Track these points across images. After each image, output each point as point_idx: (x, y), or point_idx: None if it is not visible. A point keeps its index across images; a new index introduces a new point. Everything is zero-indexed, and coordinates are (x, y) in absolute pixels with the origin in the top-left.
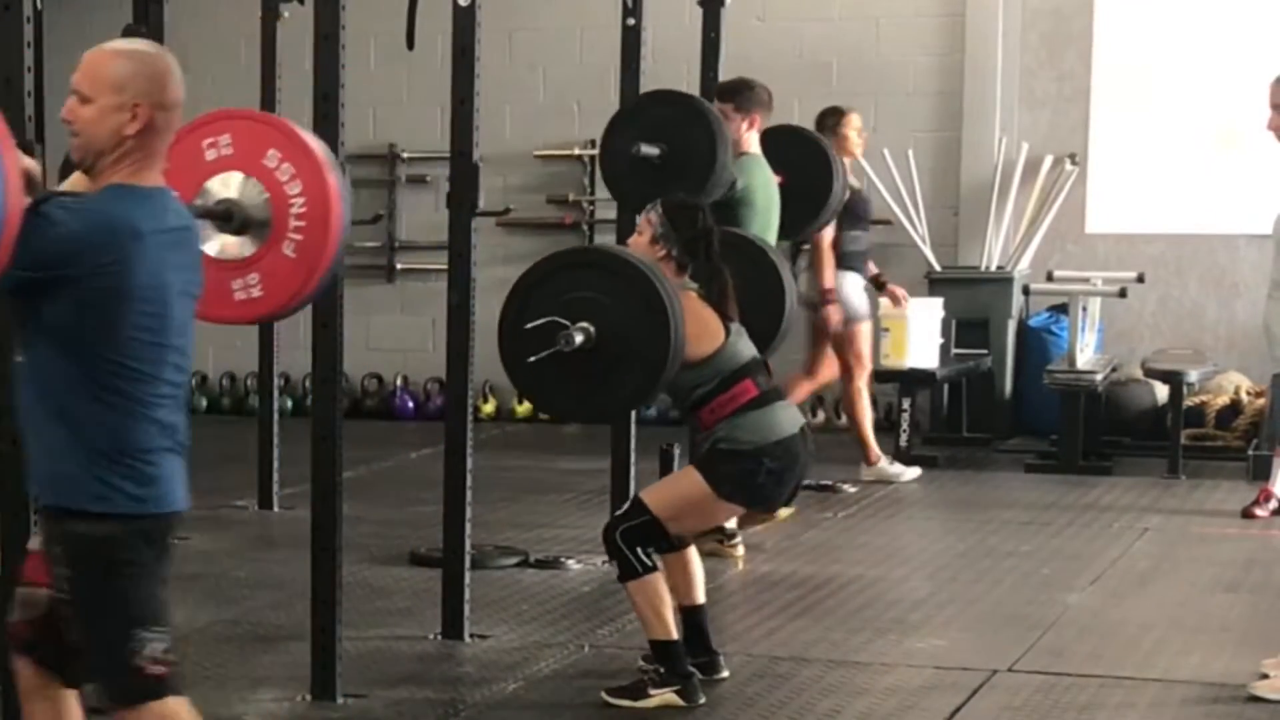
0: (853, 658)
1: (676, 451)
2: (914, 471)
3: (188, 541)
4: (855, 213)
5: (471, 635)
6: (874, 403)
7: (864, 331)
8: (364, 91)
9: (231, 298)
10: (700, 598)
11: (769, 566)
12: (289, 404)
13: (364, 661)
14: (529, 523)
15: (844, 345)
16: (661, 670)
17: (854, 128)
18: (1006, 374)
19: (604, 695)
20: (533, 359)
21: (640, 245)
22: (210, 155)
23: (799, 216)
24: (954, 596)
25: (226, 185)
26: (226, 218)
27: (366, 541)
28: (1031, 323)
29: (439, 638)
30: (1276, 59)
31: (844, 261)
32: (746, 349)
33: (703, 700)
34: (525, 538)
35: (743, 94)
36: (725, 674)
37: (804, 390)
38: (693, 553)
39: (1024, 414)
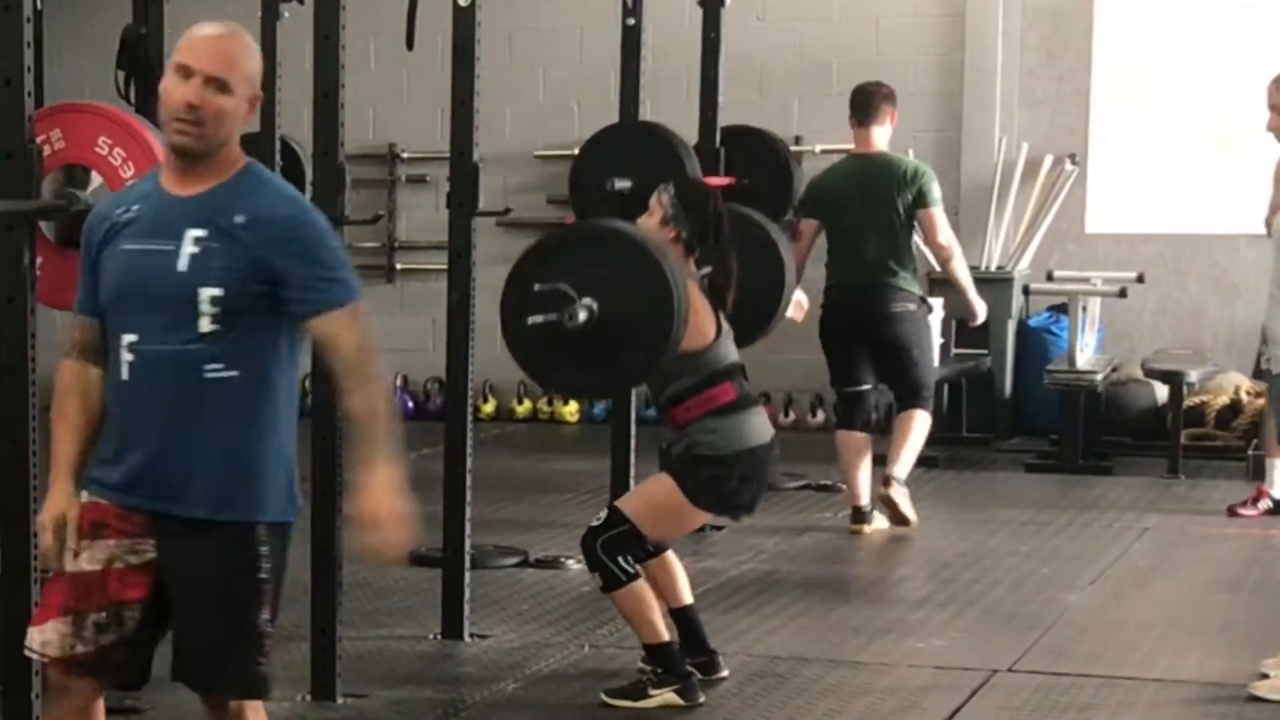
0: (853, 658)
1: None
2: None
3: None
4: None
5: (471, 635)
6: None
7: None
8: (364, 91)
9: None
10: (687, 598)
11: (769, 566)
12: None
13: (364, 661)
14: (529, 523)
15: None
16: (660, 671)
17: None
18: (1006, 374)
19: (603, 696)
20: (531, 320)
21: (650, 226)
22: (45, 151)
23: None
24: (954, 596)
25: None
26: (64, 209)
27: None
28: (1031, 323)
29: (439, 638)
30: (1276, 59)
31: None
32: (731, 351)
33: (702, 699)
34: (525, 538)
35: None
36: (725, 673)
37: None
38: (672, 555)
39: (1024, 414)
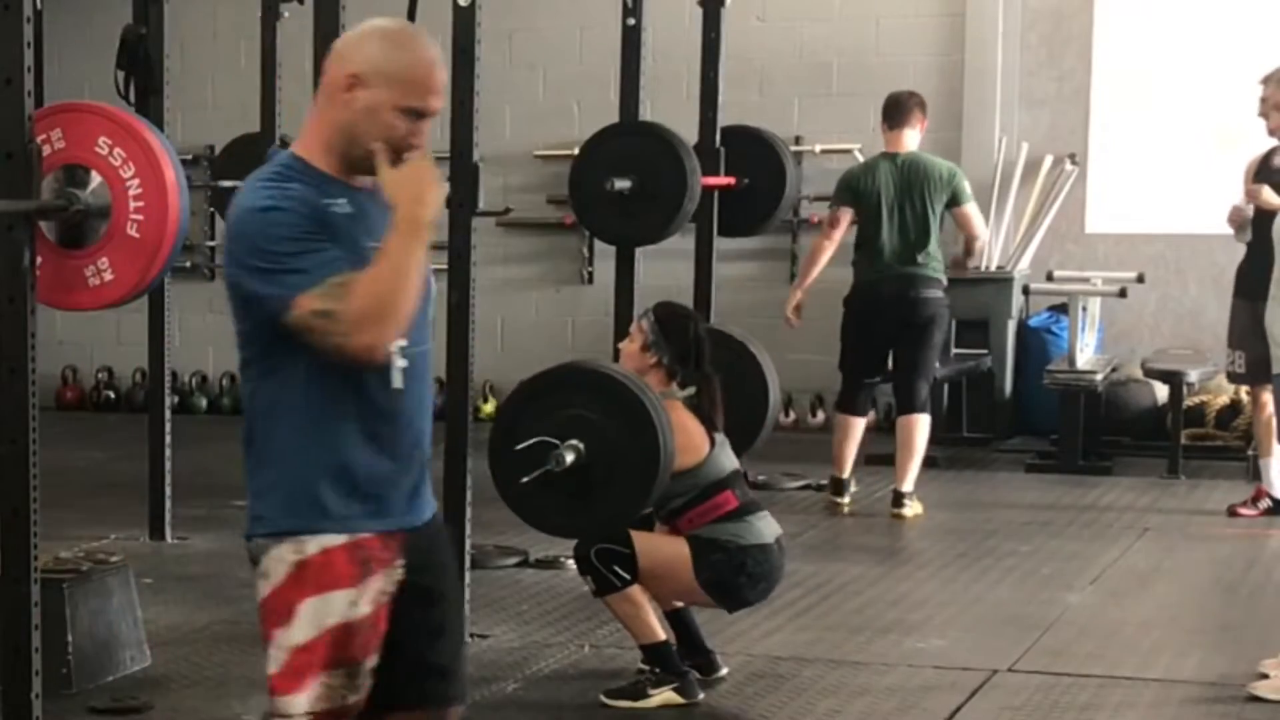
0: (853, 658)
1: None
2: None
3: (187, 541)
4: None
5: (471, 635)
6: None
7: None
8: None
9: (86, 285)
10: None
11: None
12: None
13: None
14: None
15: None
16: (659, 670)
17: None
18: (1006, 374)
19: (603, 697)
20: (525, 480)
21: (631, 352)
22: (45, 150)
23: (752, 215)
24: (954, 596)
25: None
26: (64, 209)
27: None
28: (1031, 323)
29: None
30: (1277, 59)
31: None
32: (728, 461)
33: (701, 697)
34: (525, 538)
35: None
36: (724, 672)
37: None
38: None
39: (1024, 414)
